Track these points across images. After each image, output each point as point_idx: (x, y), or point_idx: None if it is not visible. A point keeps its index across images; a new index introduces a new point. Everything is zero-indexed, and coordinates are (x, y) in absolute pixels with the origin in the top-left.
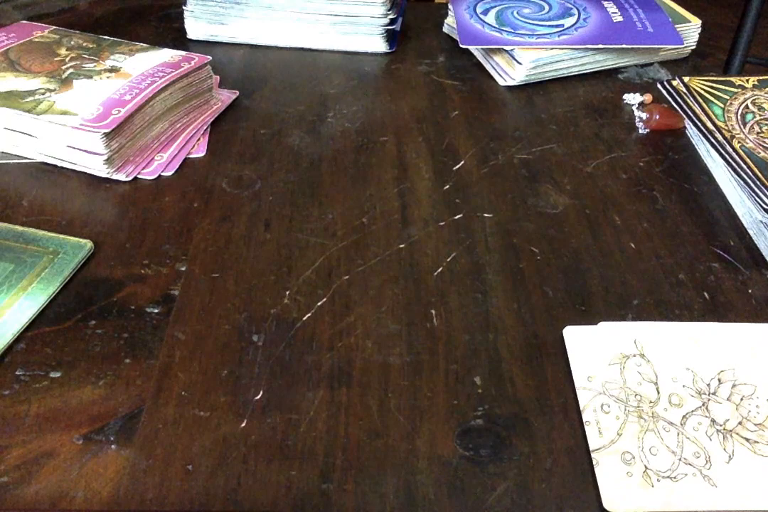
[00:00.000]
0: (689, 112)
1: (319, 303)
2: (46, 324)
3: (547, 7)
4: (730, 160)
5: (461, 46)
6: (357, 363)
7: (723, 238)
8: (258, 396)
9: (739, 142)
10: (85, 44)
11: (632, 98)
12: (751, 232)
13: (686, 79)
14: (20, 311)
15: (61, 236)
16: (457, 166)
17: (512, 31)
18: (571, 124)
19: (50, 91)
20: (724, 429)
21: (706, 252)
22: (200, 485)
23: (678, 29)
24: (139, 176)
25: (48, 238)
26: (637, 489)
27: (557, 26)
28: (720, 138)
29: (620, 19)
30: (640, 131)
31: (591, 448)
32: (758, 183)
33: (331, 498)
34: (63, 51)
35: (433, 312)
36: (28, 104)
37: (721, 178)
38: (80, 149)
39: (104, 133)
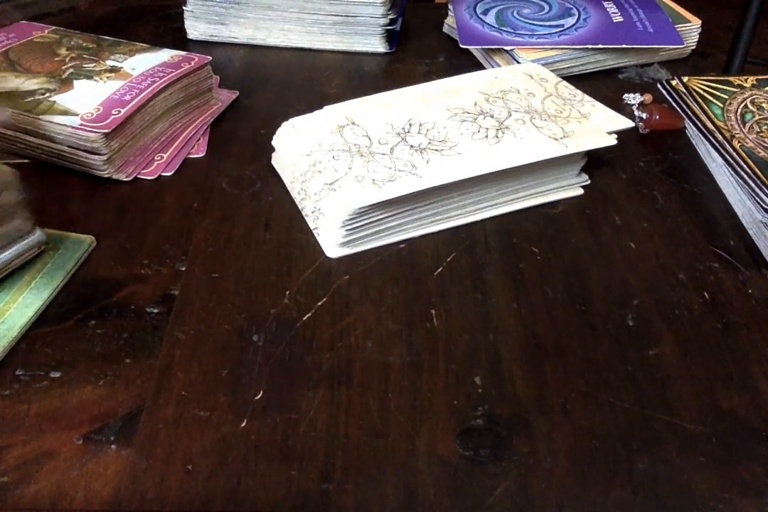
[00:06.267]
0: (689, 112)
1: (319, 304)
2: (46, 325)
3: (547, 7)
4: (730, 160)
5: (461, 46)
6: (357, 363)
7: (723, 238)
8: (258, 396)
9: (738, 142)
10: (85, 44)
11: (632, 98)
12: (751, 232)
13: (685, 79)
14: (25, 305)
15: (62, 232)
16: None
17: (512, 31)
18: None
19: (50, 91)
20: (419, 148)
21: (706, 252)
22: (200, 485)
23: (678, 29)
24: (139, 176)
25: (48, 234)
26: (371, 189)
27: (557, 26)
28: (720, 138)
29: (620, 19)
30: (640, 131)
31: (331, 181)
32: (758, 183)
33: (331, 498)
34: (63, 51)
35: (433, 312)
36: (28, 104)
37: (721, 178)
38: (80, 149)
39: (104, 133)
